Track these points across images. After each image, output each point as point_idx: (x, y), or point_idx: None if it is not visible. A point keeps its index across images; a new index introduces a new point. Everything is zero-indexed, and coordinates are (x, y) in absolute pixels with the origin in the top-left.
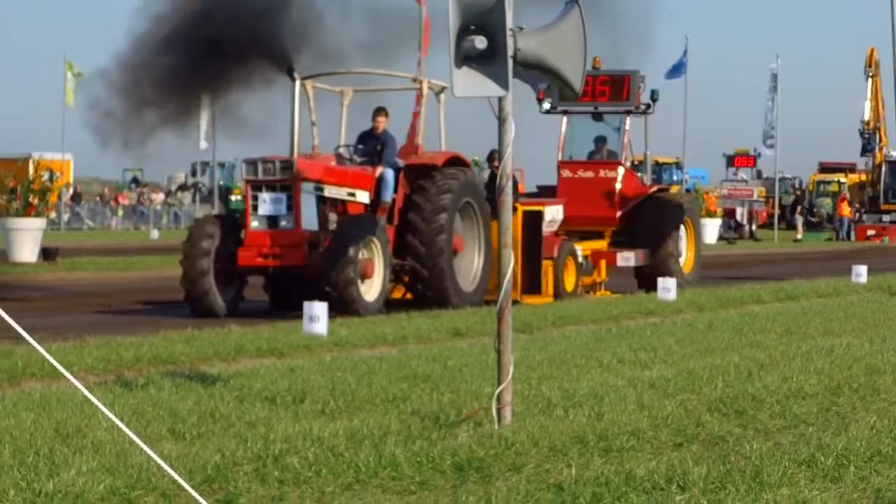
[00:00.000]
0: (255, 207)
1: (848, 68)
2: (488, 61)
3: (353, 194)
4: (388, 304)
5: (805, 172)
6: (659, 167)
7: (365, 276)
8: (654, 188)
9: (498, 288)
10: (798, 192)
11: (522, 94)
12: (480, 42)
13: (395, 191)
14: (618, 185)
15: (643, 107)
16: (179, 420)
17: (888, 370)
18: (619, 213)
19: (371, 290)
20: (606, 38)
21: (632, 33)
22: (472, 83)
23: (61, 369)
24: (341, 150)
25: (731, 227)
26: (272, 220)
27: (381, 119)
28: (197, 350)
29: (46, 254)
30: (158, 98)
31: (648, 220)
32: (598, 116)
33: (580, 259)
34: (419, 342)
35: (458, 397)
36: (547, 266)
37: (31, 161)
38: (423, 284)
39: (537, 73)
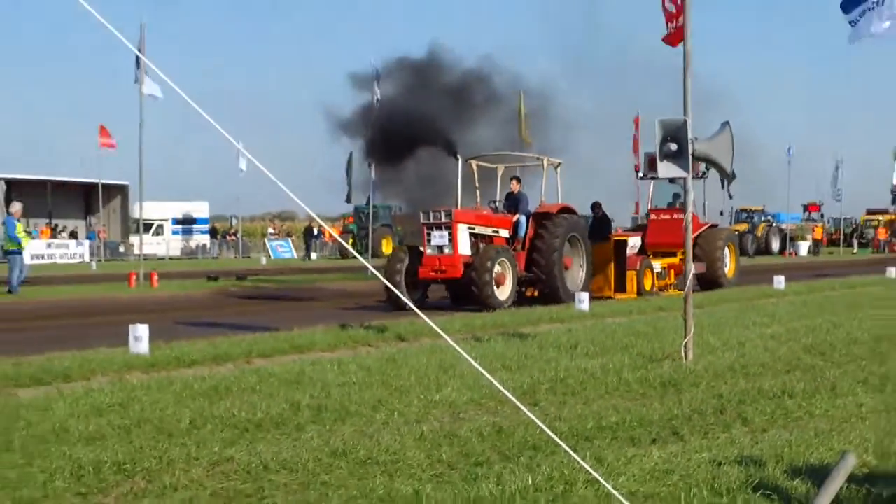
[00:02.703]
0: (429, 240)
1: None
2: (677, 157)
3: (496, 231)
4: (523, 301)
5: (857, 213)
6: (751, 212)
7: (499, 283)
8: (709, 224)
9: (683, 282)
10: (854, 226)
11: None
12: (673, 146)
13: (527, 229)
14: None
15: (700, 174)
16: (507, 359)
17: None
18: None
19: (504, 293)
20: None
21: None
22: (669, 169)
23: (439, 331)
24: (494, 205)
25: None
26: (440, 248)
27: (514, 183)
28: (517, 320)
29: None
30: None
31: (704, 244)
32: (672, 181)
33: (658, 269)
34: (640, 314)
35: (662, 345)
36: (631, 274)
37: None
38: (543, 285)
39: (706, 162)
